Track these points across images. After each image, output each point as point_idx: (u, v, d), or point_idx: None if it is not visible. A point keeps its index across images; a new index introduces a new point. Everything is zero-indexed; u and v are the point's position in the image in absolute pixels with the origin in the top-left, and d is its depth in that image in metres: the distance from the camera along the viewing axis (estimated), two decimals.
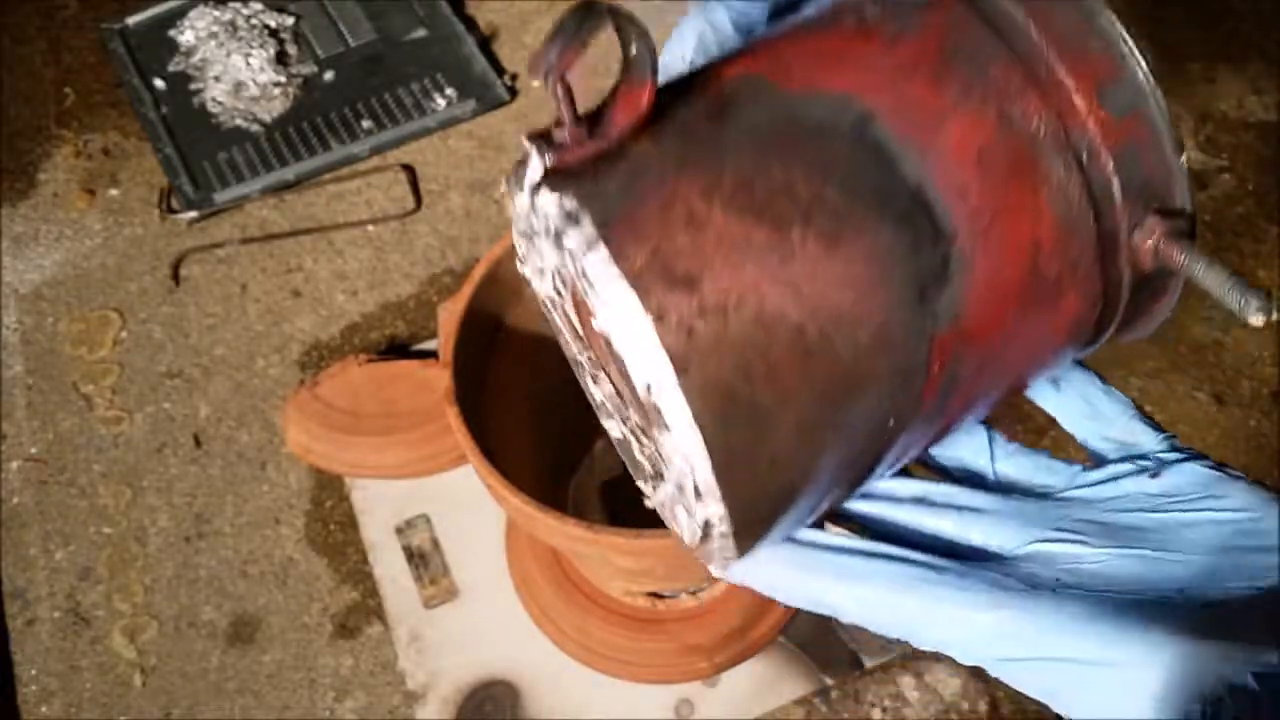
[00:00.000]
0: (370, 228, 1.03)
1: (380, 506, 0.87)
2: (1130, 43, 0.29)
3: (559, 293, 0.31)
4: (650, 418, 0.28)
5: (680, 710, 0.79)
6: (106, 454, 0.92)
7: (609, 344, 0.28)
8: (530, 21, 1.15)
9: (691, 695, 0.79)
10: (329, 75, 1.11)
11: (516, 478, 0.62)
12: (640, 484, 0.33)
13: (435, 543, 0.85)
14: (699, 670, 0.78)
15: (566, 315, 0.32)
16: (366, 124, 1.07)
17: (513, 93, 1.09)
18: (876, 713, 0.79)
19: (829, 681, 0.79)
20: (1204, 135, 1.05)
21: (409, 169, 1.06)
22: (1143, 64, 0.29)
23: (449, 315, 0.70)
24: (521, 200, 0.29)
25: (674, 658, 0.78)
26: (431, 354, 0.93)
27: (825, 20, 0.30)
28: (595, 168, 0.27)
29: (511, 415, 0.72)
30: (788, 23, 0.31)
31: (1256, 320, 0.28)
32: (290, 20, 1.14)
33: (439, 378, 0.67)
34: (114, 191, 1.07)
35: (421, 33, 1.13)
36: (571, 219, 0.27)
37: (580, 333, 0.32)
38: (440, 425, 0.78)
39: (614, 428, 0.33)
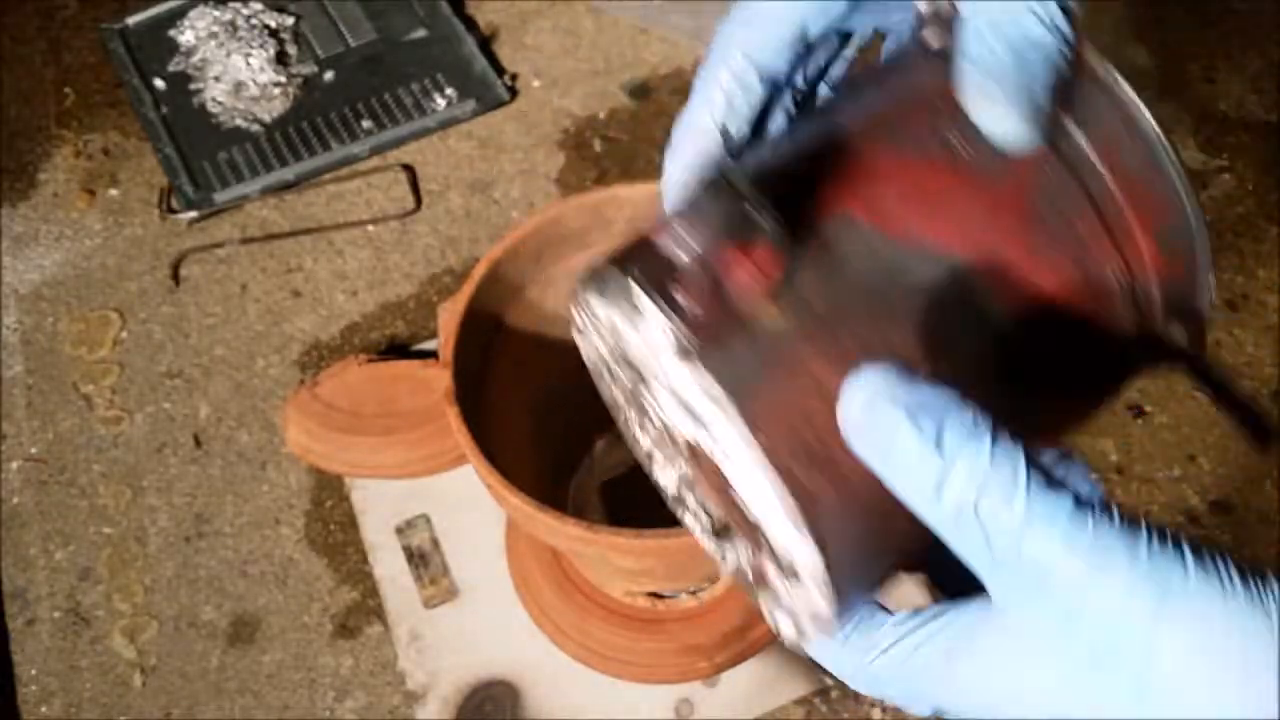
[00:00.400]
0: (370, 228, 1.03)
1: (380, 506, 0.87)
2: (1187, 184, 0.32)
3: (675, 438, 0.32)
4: (780, 564, 0.30)
5: (680, 710, 0.79)
6: (106, 454, 0.92)
7: (745, 510, 0.30)
8: (530, 21, 1.15)
9: (691, 695, 0.79)
10: (329, 75, 1.11)
11: (516, 478, 0.62)
12: (680, 515, 0.35)
13: (435, 543, 0.85)
14: (699, 670, 0.78)
15: (668, 438, 0.33)
16: (366, 124, 1.07)
17: (513, 93, 1.09)
18: (876, 713, 0.79)
19: (829, 681, 0.79)
20: (1204, 135, 1.06)
21: (409, 169, 1.06)
22: (1197, 206, 0.32)
23: (449, 315, 0.70)
24: (630, 333, 0.30)
25: (674, 658, 0.78)
26: (431, 354, 0.93)
27: (909, 143, 0.31)
28: (721, 333, 0.28)
29: (511, 415, 0.72)
30: (867, 130, 0.32)
31: (1258, 448, 0.31)
32: (290, 20, 1.14)
33: (439, 378, 0.67)
34: (114, 191, 1.07)
35: (421, 33, 1.13)
36: (711, 397, 0.28)
37: (684, 454, 0.33)
38: (440, 425, 0.78)
39: (662, 470, 0.34)
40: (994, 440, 0.26)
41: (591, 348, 0.35)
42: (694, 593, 0.78)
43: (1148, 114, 0.32)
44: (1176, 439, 0.89)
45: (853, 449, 0.27)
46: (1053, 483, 0.26)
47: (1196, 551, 0.26)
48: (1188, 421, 0.90)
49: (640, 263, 0.30)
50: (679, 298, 0.29)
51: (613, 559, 0.67)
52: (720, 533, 0.33)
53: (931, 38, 0.34)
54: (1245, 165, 1.03)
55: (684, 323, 0.28)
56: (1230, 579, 0.25)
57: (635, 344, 0.30)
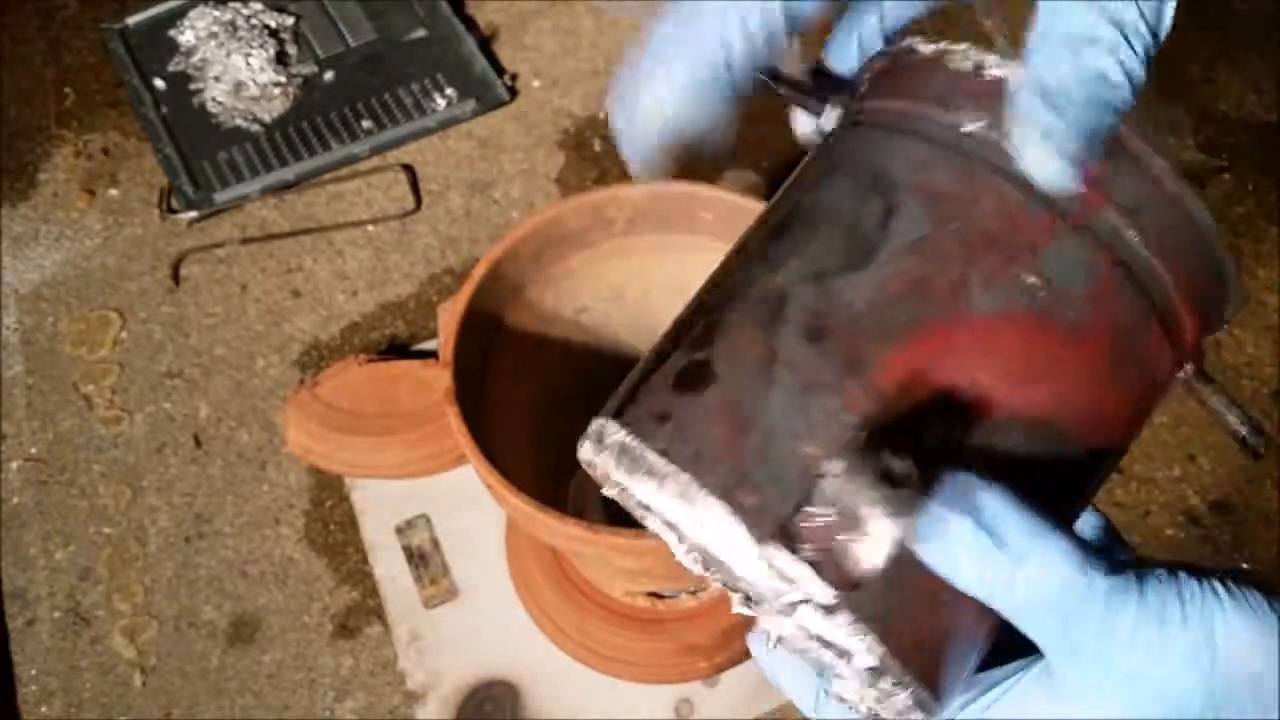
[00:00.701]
0: (370, 228, 1.03)
1: (380, 506, 0.87)
2: (1232, 263, 0.32)
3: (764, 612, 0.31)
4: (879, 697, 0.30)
5: (680, 710, 0.79)
6: (106, 454, 0.92)
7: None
8: (530, 21, 1.15)
9: (691, 695, 0.79)
10: (329, 75, 1.11)
11: (516, 478, 0.62)
12: (697, 570, 0.33)
13: (435, 543, 0.85)
14: (699, 670, 0.78)
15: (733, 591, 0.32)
16: (366, 124, 1.07)
17: (513, 93, 1.09)
18: None
19: None
20: (1204, 135, 1.05)
21: (409, 169, 1.06)
22: (1237, 279, 0.32)
23: (449, 315, 0.70)
24: (734, 560, 0.28)
25: (674, 658, 0.78)
26: (431, 354, 0.93)
27: (991, 298, 0.29)
28: (853, 577, 0.27)
29: (512, 415, 0.72)
30: (939, 288, 0.29)
31: (1251, 454, 0.32)
32: (290, 20, 1.14)
33: (439, 378, 0.67)
34: (114, 191, 1.07)
35: (421, 33, 1.13)
36: (848, 629, 0.27)
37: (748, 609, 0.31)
38: (440, 425, 0.78)
39: (677, 549, 0.33)
40: (1056, 535, 0.27)
41: (624, 496, 0.32)
42: (694, 593, 0.78)
43: (1200, 204, 0.31)
44: (1176, 439, 0.89)
45: (922, 558, 0.27)
46: (1114, 566, 0.27)
47: (1227, 587, 0.27)
48: (1188, 421, 0.90)
49: (762, 514, 0.27)
50: (813, 554, 0.27)
51: (613, 559, 0.67)
52: (752, 599, 0.32)
53: (967, 116, 0.30)
54: (1245, 165, 1.03)
55: (825, 580, 0.27)
56: (1259, 607, 0.27)
57: (742, 573, 0.28)
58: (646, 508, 0.30)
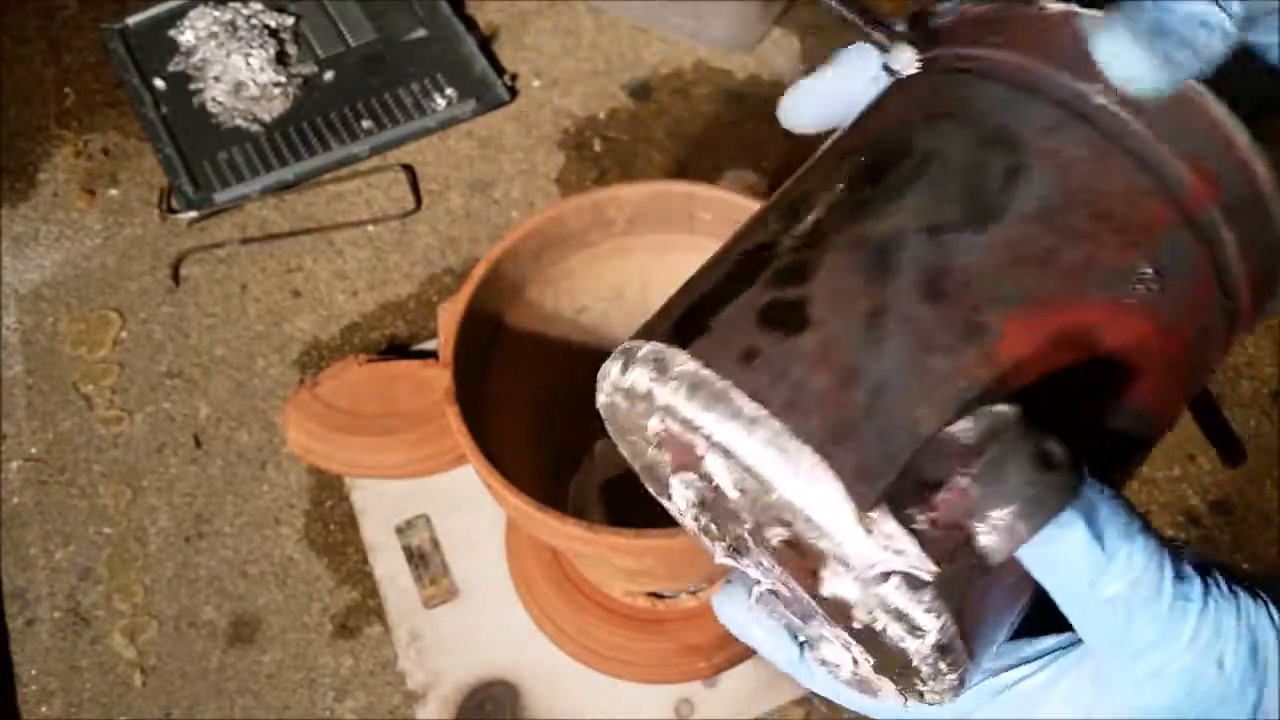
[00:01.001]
0: (370, 228, 1.03)
1: (380, 506, 0.87)
2: None
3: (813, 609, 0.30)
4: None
5: (680, 710, 0.79)
6: (106, 454, 0.92)
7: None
8: (530, 21, 1.15)
9: (691, 695, 0.79)
10: (329, 75, 1.11)
11: (516, 478, 0.62)
12: (689, 529, 0.31)
13: (435, 543, 0.85)
14: (699, 670, 0.78)
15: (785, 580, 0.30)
16: (366, 124, 1.07)
17: (513, 93, 1.09)
18: None
19: None
20: None
21: (409, 169, 1.06)
22: None
23: (449, 315, 0.70)
24: (821, 520, 0.26)
25: (674, 658, 0.78)
26: (431, 354, 0.93)
27: (1111, 287, 0.28)
28: (948, 555, 0.25)
29: (512, 415, 0.72)
30: (1066, 271, 0.27)
31: (1228, 463, 0.34)
32: (290, 20, 1.14)
33: (439, 378, 0.67)
34: (114, 191, 1.07)
35: (421, 33, 1.13)
36: (924, 606, 0.26)
37: (791, 585, 0.30)
38: (440, 425, 0.78)
39: (677, 490, 0.30)
40: (1144, 536, 0.27)
41: (678, 434, 0.28)
42: (694, 592, 0.78)
43: None
44: (1176, 439, 0.89)
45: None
46: (1182, 571, 0.27)
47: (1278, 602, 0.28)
48: (1188, 421, 0.89)
49: (868, 476, 0.25)
50: (925, 526, 0.25)
51: (613, 559, 0.67)
52: (738, 550, 0.30)
53: (1098, 86, 0.28)
54: None
55: (930, 554, 0.25)
56: None
57: (835, 534, 0.26)
58: (719, 448, 0.26)
